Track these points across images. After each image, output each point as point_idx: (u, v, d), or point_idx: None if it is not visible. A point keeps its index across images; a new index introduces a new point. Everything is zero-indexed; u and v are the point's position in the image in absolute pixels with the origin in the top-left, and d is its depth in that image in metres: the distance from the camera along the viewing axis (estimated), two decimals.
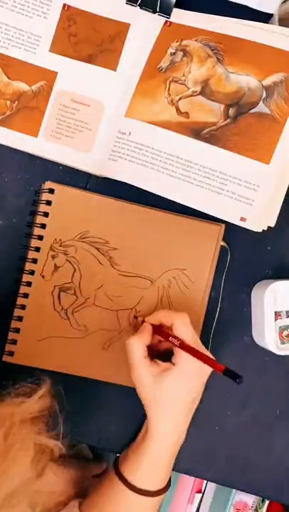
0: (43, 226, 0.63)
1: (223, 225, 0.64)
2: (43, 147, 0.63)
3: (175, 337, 0.56)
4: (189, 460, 0.64)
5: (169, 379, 0.54)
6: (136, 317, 0.63)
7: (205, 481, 0.95)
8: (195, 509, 0.95)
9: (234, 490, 0.91)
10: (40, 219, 0.63)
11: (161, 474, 0.57)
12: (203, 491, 0.96)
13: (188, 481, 0.96)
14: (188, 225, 0.64)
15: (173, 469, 0.59)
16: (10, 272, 0.64)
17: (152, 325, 0.58)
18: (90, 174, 0.64)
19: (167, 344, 0.58)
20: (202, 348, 0.56)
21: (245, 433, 0.66)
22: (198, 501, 0.95)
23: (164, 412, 0.55)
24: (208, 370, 0.55)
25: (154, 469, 0.56)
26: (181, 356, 0.55)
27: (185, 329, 0.56)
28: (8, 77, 0.63)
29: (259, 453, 0.66)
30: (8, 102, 0.63)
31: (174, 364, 0.55)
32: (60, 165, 0.64)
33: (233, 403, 0.65)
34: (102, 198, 0.63)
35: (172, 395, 0.55)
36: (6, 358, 0.63)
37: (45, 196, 0.63)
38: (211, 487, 0.96)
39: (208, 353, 0.55)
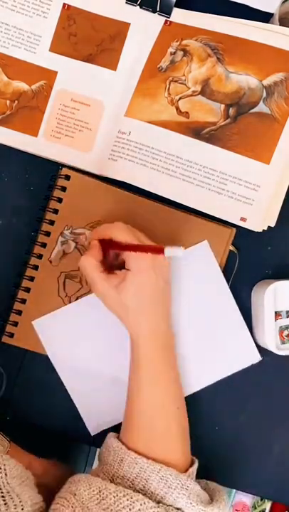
0: (56, 211, 0.63)
1: (234, 229, 0.63)
2: (43, 147, 0.63)
3: (117, 244, 0.56)
4: None
5: (129, 282, 0.54)
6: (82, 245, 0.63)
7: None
8: None
9: (234, 490, 0.91)
10: (53, 204, 0.63)
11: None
12: None
13: None
14: (200, 225, 0.63)
15: None
16: (9, 273, 0.64)
17: (100, 241, 0.58)
18: (90, 173, 0.64)
19: (120, 257, 0.58)
20: (145, 242, 0.56)
21: (245, 433, 0.66)
22: None
23: (137, 314, 0.56)
24: (160, 258, 0.55)
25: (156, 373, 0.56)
26: (130, 258, 0.55)
27: (123, 233, 0.56)
28: (8, 77, 0.63)
29: (259, 453, 0.66)
30: (8, 102, 0.63)
31: (128, 269, 0.55)
32: (60, 165, 0.64)
33: (233, 403, 0.65)
34: (118, 190, 0.63)
35: (137, 297, 0.55)
36: (5, 339, 0.63)
37: (60, 182, 0.63)
38: None
39: (149, 242, 0.56)
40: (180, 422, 0.56)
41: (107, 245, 0.57)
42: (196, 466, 0.56)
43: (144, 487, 0.51)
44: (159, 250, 0.52)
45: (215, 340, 0.63)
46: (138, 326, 0.56)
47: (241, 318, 0.63)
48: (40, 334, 0.62)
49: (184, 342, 0.62)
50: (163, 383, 0.56)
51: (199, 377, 0.63)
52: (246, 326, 0.64)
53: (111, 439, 0.56)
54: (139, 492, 0.51)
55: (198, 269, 0.62)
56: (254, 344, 0.64)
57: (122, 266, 0.57)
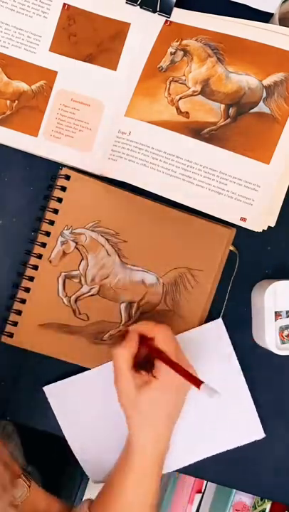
0: (56, 211, 0.63)
1: (235, 229, 0.63)
2: (43, 147, 0.63)
3: (157, 350, 0.56)
4: None
5: (152, 391, 0.55)
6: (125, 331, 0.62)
7: (205, 481, 0.95)
8: (195, 509, 0.95)
9: (234, 490, 0.91)
10: (53, 204, 0.63)
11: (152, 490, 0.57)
12: (203, 491, 0.96)
13: (188, 481, 0.96)
14: (201, 226, 0.63)
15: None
16: (9, 273, 0.64)
17: (140, 336, 0.58)
18: (90, 174, 0.64)
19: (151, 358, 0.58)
20: (184, 363, 0.56)
21: None
22: (198, 501, 0.96)
23: (145, 422, 0.56)
24: (188, 386, 0.55)
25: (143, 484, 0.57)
26: (162, 370, 0.55)
27: (166, 343, 0.56)
28: (8, 77, 0.63)
29: (259, 453, 0.66)
30: (8, 102, 0.63)
31: (155, 377, 0.56)
32: (60, 165, 0.64)
33: None
34: (118, 190, 0.63)
35: (153, 407, 0.56)
36: (4, 339, 0.63)
37: (60, 182, 0.63)
38: (211, 487, 0.96)
39: (190, 369, 0.55)
40: None
41: (146, 345, 0.57)
42: None
43: None
44: (197, 383, 0.52)
45: (221, 416, 0.63)
46: (141, 434, 0.56)
47: (249, 395, 0.64)
48: (50, 399, 0.63)
49: (192, 415, 0.62)
50: (147, 487, 0.57)
51: (201, 448, 0.64)
52: (253, 404, 0.64)
53: (84, 507, 0.58)
54: None
55: (210, 346, 0.62)
56: (259, 421, 0.64)
57: (149, 363, 0.57)
